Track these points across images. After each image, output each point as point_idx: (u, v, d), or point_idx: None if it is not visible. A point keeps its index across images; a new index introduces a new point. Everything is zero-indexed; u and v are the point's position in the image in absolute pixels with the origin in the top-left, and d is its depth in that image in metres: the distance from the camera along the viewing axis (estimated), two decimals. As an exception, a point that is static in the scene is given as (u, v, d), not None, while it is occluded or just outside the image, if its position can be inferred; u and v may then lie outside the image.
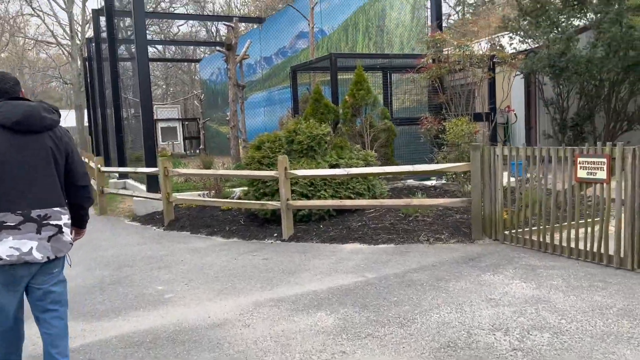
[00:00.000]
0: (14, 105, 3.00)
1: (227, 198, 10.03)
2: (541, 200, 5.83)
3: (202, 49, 40.29)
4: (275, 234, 7.52)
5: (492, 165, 6.10)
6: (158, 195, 9.30)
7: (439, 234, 6.68)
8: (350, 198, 7.88)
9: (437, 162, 8.53)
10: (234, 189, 10.45)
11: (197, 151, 32.12)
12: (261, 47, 21.63)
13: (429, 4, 12.42)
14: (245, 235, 7.77)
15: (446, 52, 8.48)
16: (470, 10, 24.28)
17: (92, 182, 12.01)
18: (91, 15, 23.81)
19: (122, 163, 17.01)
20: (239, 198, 9.87)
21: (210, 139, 30.20)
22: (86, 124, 29.79)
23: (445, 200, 6.61)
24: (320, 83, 13.60)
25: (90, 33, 26.83)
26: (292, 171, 7.21)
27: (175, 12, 34.71)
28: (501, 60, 8.61)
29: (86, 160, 15.32)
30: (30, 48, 41.97)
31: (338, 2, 16.38)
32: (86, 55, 26.43)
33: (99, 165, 10.62)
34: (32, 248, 2.94)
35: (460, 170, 6.59)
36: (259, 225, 8.11)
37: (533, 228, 5.93)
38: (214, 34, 38.15)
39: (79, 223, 3.42)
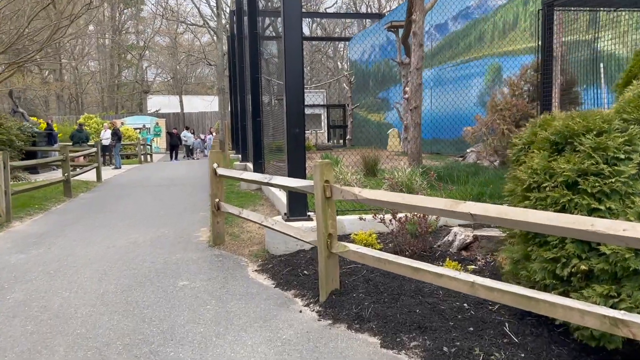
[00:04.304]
0: None
1: (434, 236, 4.99)
2: None
3: (349, 31, 35.96)
4: None
5: None
6: (309, 236, 4.52)
7: None
8: None
9: None
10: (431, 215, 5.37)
11: (341, 142, 27.76)
12: (431, 13, 16.26)
13: None
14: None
15: None
16: None
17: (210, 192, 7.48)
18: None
19: (258, 154, 12.86)
20: (463, 248, 4.77)
21: (357, 128, 25.53)
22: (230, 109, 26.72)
23: None
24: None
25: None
26: None
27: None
28: None
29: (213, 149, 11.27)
30: (182, 32, 40.68)
31: None
32: (229, 33, 23.12)
33: (214, 165, 6.18)
34: None
35: None
36: (569, 352, 2.95)
37: None
38: (365, 9, 33.58)
39: None
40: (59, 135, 20.06)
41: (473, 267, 4.38)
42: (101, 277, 5.11)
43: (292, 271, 4.98)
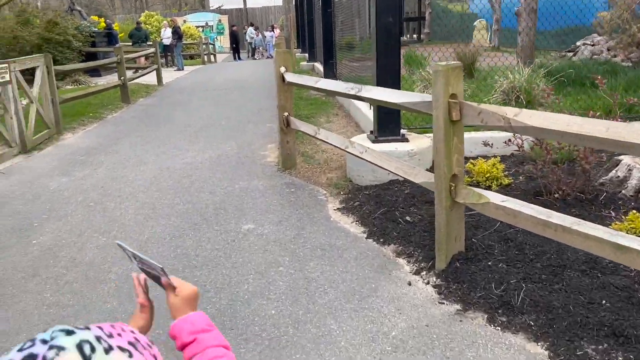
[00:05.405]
0: None
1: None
2: None
3: None
4: None
5: None
6: (419, 174, 3.15)
7: None
8: None
9: None
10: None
11: (415, 36, 25.09)
12: None
13: None
14: None
15: None
16: None
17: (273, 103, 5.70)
18: None
19: (329, 53, 11.29)
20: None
21: (434, 21, 22.76)
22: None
23: None
24: None
25: None
26: None
27: None
28: None
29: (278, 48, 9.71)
30: None
31: None
32: None
33: (282, 70, 4.79)
34: None
35: None
36: None
37: None
38: None
39: None
40: (119, 35, 19.07)
41: (670, 223, 2.90)
42: (148, 215, 4.08)
43: (387, 214, 3.70)
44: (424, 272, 2.94)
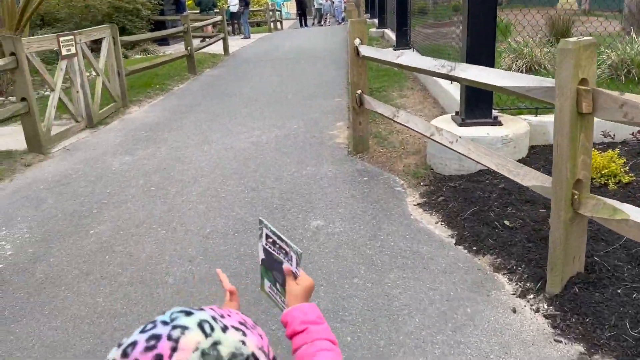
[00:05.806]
0: None
1: None
2: None
3: None
4: None
5: None
6: (530, 176, 2.57)
7: None
8: None
9: None
10: None
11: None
12: None
13: None
14: None
15: None
16: None
17: (339, 75, 5.10)
18: None
19: (402, 20, 10.51)
20: None
21: (514, -18, 21.01)
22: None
23: None
24: None
25: None
26: None
27: None
28: None
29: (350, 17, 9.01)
30: None
31: None
32: None
33: (356, 42, 4.25)
34: None
35: None
36: None
37: None
38: None
39: None
40: (187, 2, 18.97)
41: None
42: (210, 204, 3.76)
43: (479, 215, 3.17)
44: (532, 296, 2.41)
